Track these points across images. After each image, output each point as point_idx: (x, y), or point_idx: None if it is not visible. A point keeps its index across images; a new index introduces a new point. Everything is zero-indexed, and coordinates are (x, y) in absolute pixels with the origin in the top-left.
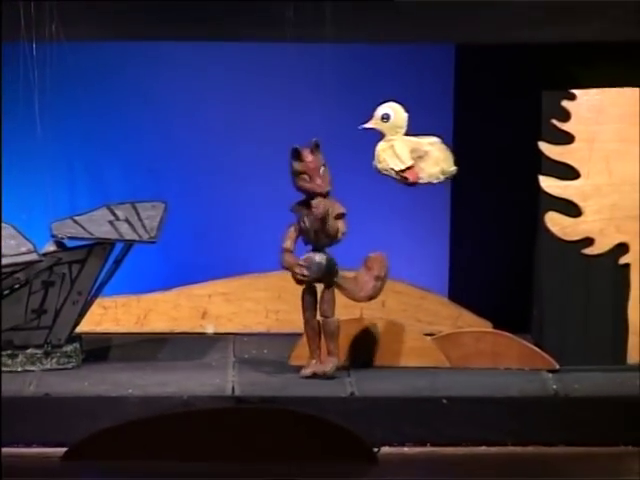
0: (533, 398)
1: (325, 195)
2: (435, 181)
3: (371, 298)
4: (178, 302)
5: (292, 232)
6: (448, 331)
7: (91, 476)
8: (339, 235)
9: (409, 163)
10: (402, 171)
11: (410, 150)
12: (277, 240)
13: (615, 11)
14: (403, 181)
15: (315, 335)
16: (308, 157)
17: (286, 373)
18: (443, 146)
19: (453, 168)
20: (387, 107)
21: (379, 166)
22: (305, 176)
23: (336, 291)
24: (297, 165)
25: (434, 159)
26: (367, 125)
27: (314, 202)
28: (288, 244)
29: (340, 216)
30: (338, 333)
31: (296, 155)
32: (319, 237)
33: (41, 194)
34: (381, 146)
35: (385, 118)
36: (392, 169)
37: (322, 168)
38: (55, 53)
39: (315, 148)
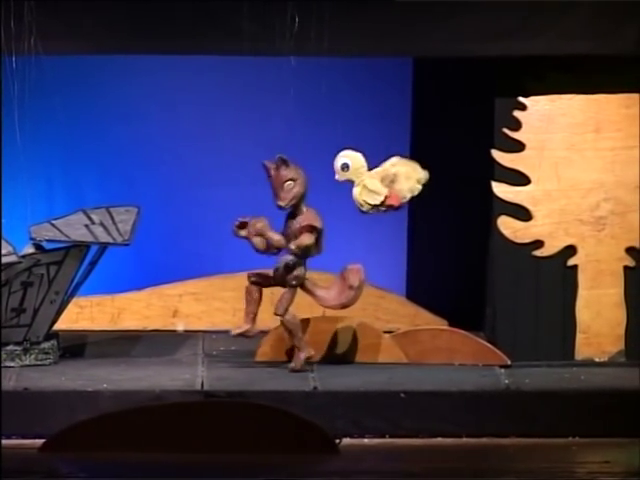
0: (486, 392)
1: (287, 209)
2: (416, 192)
3: (344, 306)
4: (150, 301)
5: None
6: (406, 329)
7: (68, 466)
8: (311, 250)
9: (385, 192)
10: (383, 202)
11: (380, 180)
12: (244, 242)
13: (563, 26)
14: (391, 209)
15: (252, 301)
16: (272, 172)
17: (253, 369)
18: (404, 160)
19: (424, 173)
20: (342, 157)
21: (363, 209)
22: (273, 187)
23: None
24: (268, 179)
25: (405, 175)
26: (337, 179)
27: (301, 216)
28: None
29: (308, 229)
30: (298, 328)
31: (264, 170)
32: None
33: (20, 199)
34: (356, 191)
35: (345, 168)
36: (374, 205)
37: (288, 183)
38: (34, 66)
39: (281, 163)
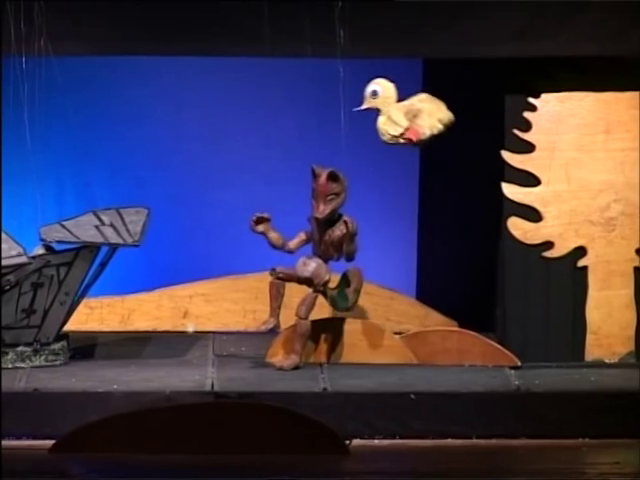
0: (496, 393)
1: (318, 220)
2: (436, 132)
3: (349, 309)
4: (160, 302)
5: (302, 236)
6: (416, 330)
7: (78, 467)
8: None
9: (405, 124)
10: (402, 134)
11: (404, 113)
12: (254, 243)
13: (572, 28)
14: (409, 143)
15: (278, 296)
16: (321, 180)
17: (263, 370)
18: (433, 98)
19: (448, 114)
20: (373, 84)
21: (384, 139)
22: (315, 194)
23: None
24: (313, 182)
25: (427, 112)
26: (361, 107)
27: (347, 220)
28: (291, 245)
29: (353, 236)
30: (307, 335)
31: (313, 174)
32: (328, 250)
33: (30, 200)
34: (380, 120)
35: (374, 94)
36: (394, 136)
37: (331, 196)
38: (44, 67)
39: (331, 176)
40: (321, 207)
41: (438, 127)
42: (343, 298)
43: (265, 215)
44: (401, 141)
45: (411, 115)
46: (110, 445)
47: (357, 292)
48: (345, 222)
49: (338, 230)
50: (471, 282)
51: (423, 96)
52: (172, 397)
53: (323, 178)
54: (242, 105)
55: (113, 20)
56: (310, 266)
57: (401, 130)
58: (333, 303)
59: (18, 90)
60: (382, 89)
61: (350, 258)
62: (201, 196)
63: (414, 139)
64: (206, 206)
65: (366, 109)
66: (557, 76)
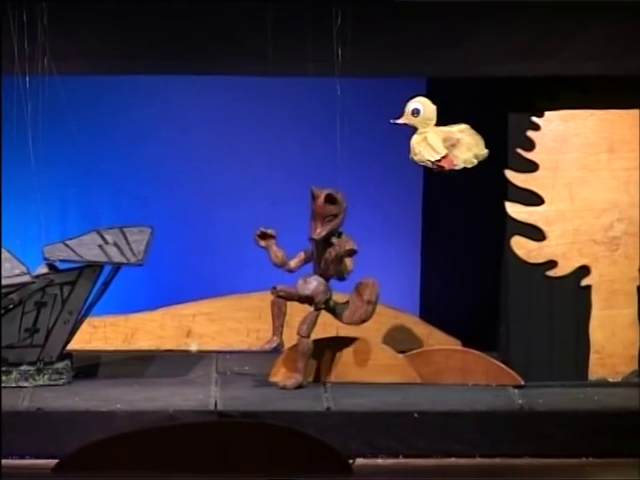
0: (500, 412)
1: (316, 240)
2: (470, 166)
3: (363, 322)
4: (164, 321)
5: (301, 255)
6: (419, 349)
7: None
8: (346, 273)
9: (443, 153)
10: (437, 161)
11: (442, 140)
12: (258, 262)
13: (576, 47)
14: (440, 170)
15: (280, 314)
16: (319, 201)
17: (266, 389)
18: (473, 131)
19: (485, 151)
20: (416, 102)
21: (415, 158)
22: (313, 215)
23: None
24: (312, 204)
25: (466, 145)
26: (399, 121)
27: (337, 240)
28: (291, 264)
29: (350, 253)
30: (309, 354)
31: (312, 196)
32: (328, 269)
33: (34, 219)
34: (415, 139)
35: (415, 113)
36: (428, 160)
37: (329, 218)
38: (47, 86)
39: (329, 198)
40: (318, 229)
41: (472, 162)
42: (343, 307)
43: (269, 231)
44: (432, 166)
45: (449, 144)
46: (113, 464)
47: (371, 303)
48: (332, 244)
49: (339, 247)
50: (474, 301)
51: (463, 127)
52: (175, 416)
53: (321, 200)
54: (246, 124)
55: (116, 39)
56: (311, 284)
57: (437, 157)
58: (334, 313)
59: (22, 109)
60: (424, 109)
61: (340, 278)
62: (204, 215)
63: (447, 168)
64: (209, 225)
65: (403, 124)
66: (561, 95)
